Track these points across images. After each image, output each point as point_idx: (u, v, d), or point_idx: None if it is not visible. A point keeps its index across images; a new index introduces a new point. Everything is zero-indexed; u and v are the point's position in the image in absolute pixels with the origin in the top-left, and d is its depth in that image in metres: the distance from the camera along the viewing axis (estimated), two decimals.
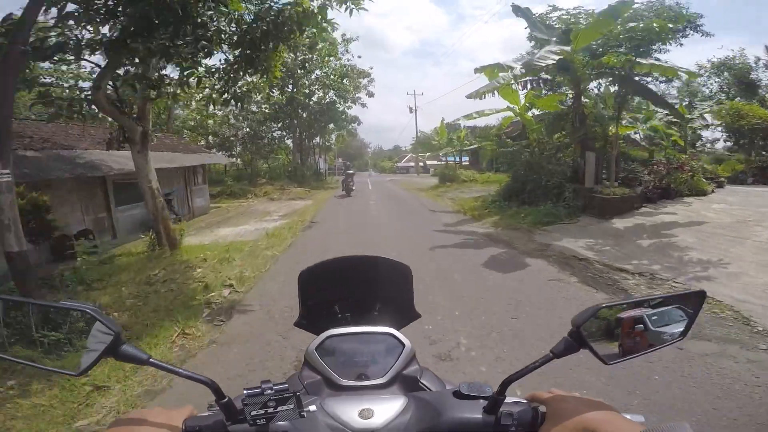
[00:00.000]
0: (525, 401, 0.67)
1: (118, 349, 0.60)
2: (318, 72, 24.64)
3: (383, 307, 0.99)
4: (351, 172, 20.63)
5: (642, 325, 0.68)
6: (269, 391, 0.60)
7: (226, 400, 0.62)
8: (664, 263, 5.48)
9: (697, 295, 0.71)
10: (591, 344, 0.63)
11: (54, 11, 4.87)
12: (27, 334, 0.71)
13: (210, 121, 23.84)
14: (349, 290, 1.01)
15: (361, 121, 28.04)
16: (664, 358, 2.88)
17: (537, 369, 0.64)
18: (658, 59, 10.34)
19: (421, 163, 62.23)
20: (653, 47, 10.55)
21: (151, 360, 0.61)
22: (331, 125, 30.15)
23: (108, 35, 5.34)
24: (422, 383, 0.80)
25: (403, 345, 0.83)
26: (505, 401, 0.64)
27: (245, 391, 0.60)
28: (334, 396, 0.73)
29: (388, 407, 0.66)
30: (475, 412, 0.64)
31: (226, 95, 6.85)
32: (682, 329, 0.70)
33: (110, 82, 6.09)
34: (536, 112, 12.84)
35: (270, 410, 0.59)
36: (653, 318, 0.69)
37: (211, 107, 10.06)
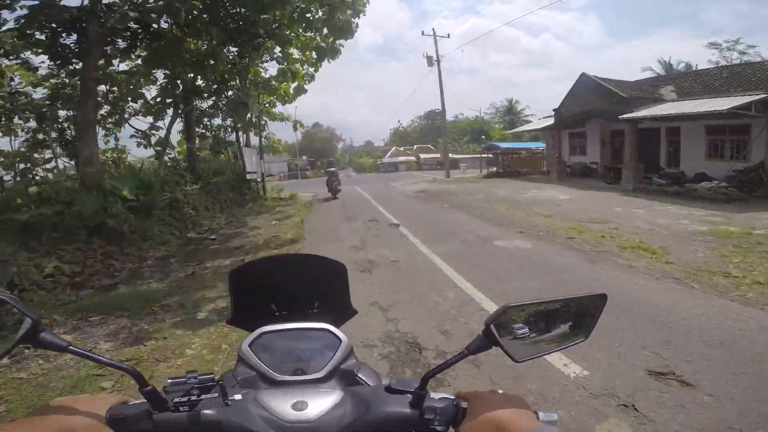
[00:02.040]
0: (451, 397, 0.69)
1: (37, 336, 0.58)
2: None
3: (321, 305, 0.99)
4: (334, 169, 16.98)
5: (548, 325, 0.73)
6: (193, 379, 0.62)
7: (149, 388, 0.61)
8: None
9: (600, 298, 0.75)
10: (501, 342, 0.66)
11: None
12: None
13: None
14: (285, 289, 1.00)
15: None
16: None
17: (454, 364, 0.67)
18: None
19: (411, 158, 50.33)
20: None
21: (70, 347, 0.60)
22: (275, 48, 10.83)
23: None
24: (359, 377, 0.80)
25: (341, 340, 0.83)
26: (433, 397, 0.68)
27: (169, 380, 0.62)
28: (268, 389, 0.73)
29: (323, 400, 0.67)
30: (403, 407, 0.66)
31: None
32: (585, 329, 0.75)
33: None
34: None
35: (193, 398, 0.61)
36: (559, 318, 0.75)
37: None
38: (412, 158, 49.16)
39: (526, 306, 0.70)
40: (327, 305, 0.99)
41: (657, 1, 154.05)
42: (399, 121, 74.83)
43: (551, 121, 21.93)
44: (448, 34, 32.62)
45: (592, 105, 16.13)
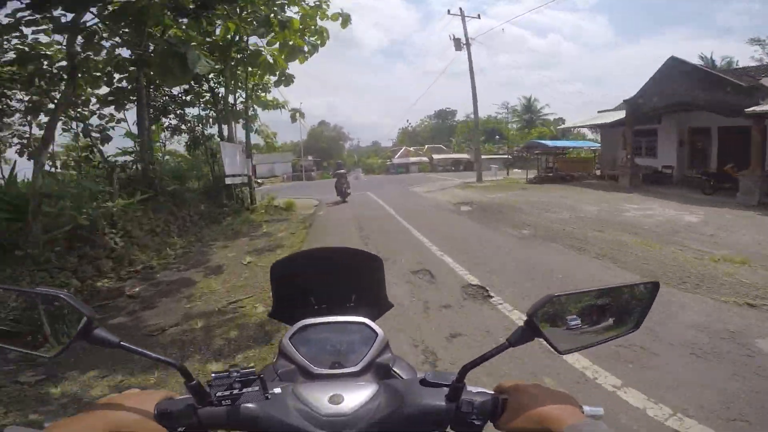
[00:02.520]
0: (489, 391, 0.67)
1: (91, 333, 0.59)
2: None
3: (359, 298, 0.98)
4: (343, 171, 15.40)
5: (595, 316, 0.69)
6: (235, 374, 0.62)
7: (194, 382, 0.61)
8: None
9: (652, 286, 0.71)
10: (545, 333, 0.63)
11: None
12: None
13: None
14: (324, 281, 0.99)
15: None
16: None
17: (493, 357, 0.64)
18: None
19: (423, 159, 46.51)
20: None
21: (122, 343, 0.60)
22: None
23: None
24: (394, 371, 0.81)
25: (377, 334, 0.83)
26: (470, 390, 0.66)
27: (213, 374, 0.63)
28: (305, 383, 0.74)
29: (359, 394, 0.66)
30: (439, 400, 0.64)
31: None
32: (635, 319, 0.71)
33: None
34: None
35: (235, 392, 0.61)
36: (607, 308, 0.70)
37: None
38: (425, 159, 45.36)
39: (572, 295, 0.67)
40: (364, 298, 0.97)
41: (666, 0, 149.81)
42: (408, 121, 71.02)
43: (605, 116, 18.05)
44: (479, 15, 28.36)
45: (688, 96, 12.20)
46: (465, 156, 45.49)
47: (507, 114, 64.04)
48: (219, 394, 0.61)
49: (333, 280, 0.99)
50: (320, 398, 0.64)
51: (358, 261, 1.02)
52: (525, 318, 0.63)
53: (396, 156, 49.31)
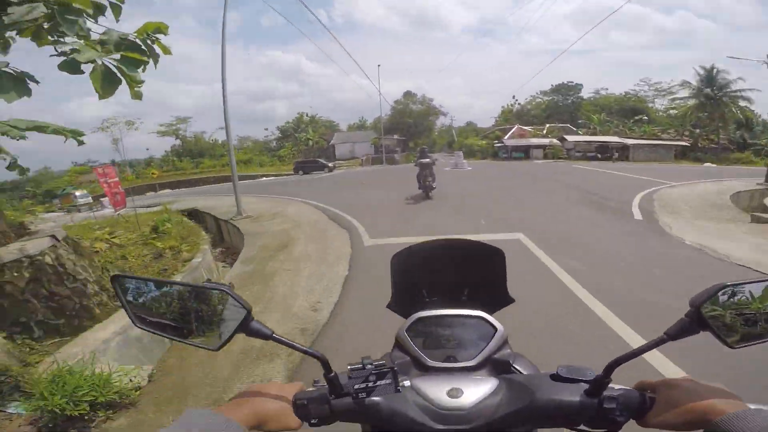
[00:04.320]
0: (630, 388, 0.63)
1: (249, 325, 0.62)
2: None
3: (472, 291, 0.96)
4: (428, 161, 10.87)
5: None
6: (370, 366, 0.63)
7: (332, 374, 0.63)
8: None
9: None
10: (712, 325, 0.58)
11: None
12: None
13: None
14: (438, 274, 0.97)
15: None
16: None
17: (647, 352, 0.59)
18: None
19: (554, 141, 33.64)
20: None
21: (274, 335, 0.63)
22: None
23: None
24: (515, 367, 0.78)
25: (496, 329, 0.82)
26: (611, 387, 0.61)
27: (349, 367, 0.64)
28: (422, 376, 0.73)
29: (478, 388, 0.65)
30: (574, 395, 0.61)
31: None
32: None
33: None
34: None
35: (370, 384, 0.62)
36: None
37: None
38: (554, 141, 32.39)
39: (746, 284, 0.60)
40: (478, 292, 0.94)
41: None
42: (514, 98, 57.29)
43: None
44: None
45: None
46: (614, 139, 31.49)
47: (649, 91, 48.18)
48: (357, 386, 0.62)
49: (447, 273, 0.95)
50: (438, 392, 0.64)
51: (478, 253, 0.95)
52: (689, 309, 0.59)
53: (506, 136, 36.94)
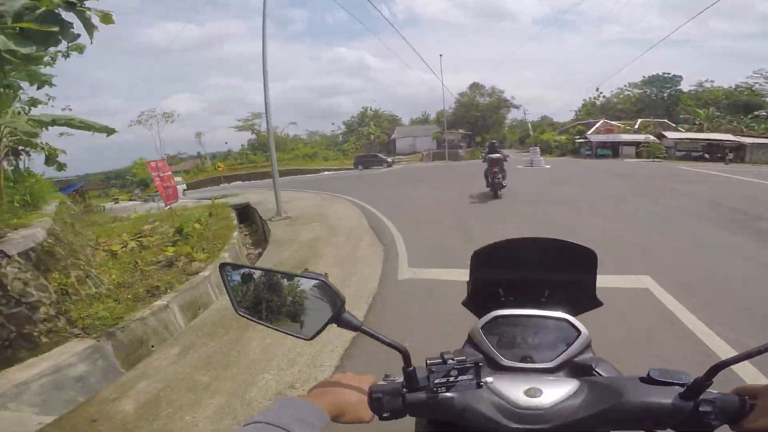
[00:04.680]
0: (728, 393, 0.60)
1: (341, 316, 0.62)
2: None
3: (552, 293, 0.89)
4: (498, 156, 9.66)
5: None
6: (451, 361, 0.62)
7: (412, 368, 0.63)
8: None
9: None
10: None
11: None
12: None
13: None
14: (520, 273, 0.91)
15: None
16: None
17: (758, 356, 0.55)
18: None
19: (650, 138, 29.21)
20: None
21: (362, 327, 0.63)
22: None
23: None
24: (597, 372, 0.73)
25: (579, 332, 0.77)
26: (709, 391, 0.58)
27: (428, 361, 0.63)
28: (498, 374, 0.70)
29: (558, 389, 0.63)
30: (667, 398, 0.59)
31: None
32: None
33: None
34: None
35: (451, 379, 0.61)
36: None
37: None
38: (651, 138, 28.07)
39: None
40: (559, 293, 0.89)
41: None
42: (598, 89, 51.72)
43: None
44: None
45: None
46: (728, 137, 26.40)
47: (766, 83, 40.47)
48: (437, 380, 0.61)
49: (529, 272, 0.89)
50: (515, 391, 0.63)
51: (567, 253, 0.89)
52: None
53: (589, 131, 32.92)
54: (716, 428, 0.58)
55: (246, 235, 9.50)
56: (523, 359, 0.75)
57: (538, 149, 21.28)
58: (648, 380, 0.61)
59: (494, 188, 9.49)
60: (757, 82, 41.21)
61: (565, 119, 52.03)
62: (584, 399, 0.61)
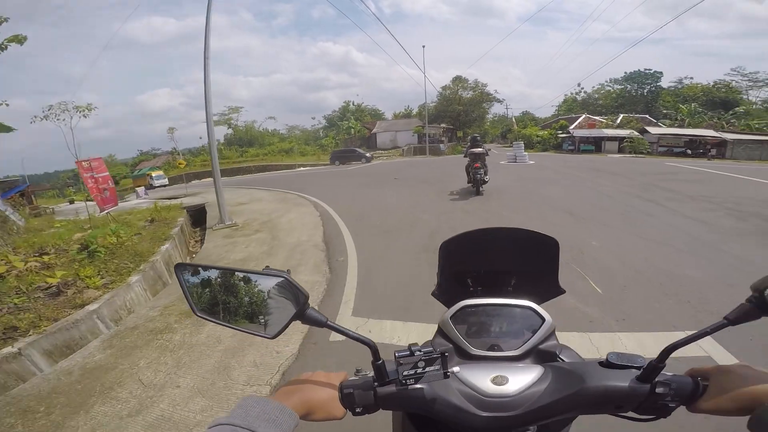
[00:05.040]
0: (683, 375, 0.63)
1: (305, 312, 0.62)
2: None
3: (519, 282, 0.91)
4: (480, 151, 9.24)
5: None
6: (418, 352, 0.62)
7: (380, 361, 0.63)
8: None
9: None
10: None
11: None
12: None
13: None
14: (486, 263, 0.93)
15: None
16: None
17: (708, 336, 0.58)
18: None
19: (633, 133, 28.68)
20: None
21: (328, 322, 0.63)
22: None
23: None
24: (560, 358, 0.73)
25: (543, 319, 0.79)
26: (664, 373, 0.61)
27: (396, 354, 0.63)
28: (466, 363, 0.72)
29: (524, 375, 0.65)
30: (625, 381, 0.61)
31: None
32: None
33: None
34: None
35: (419, 370, 0.62)
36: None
37: None
38: (636, 134, 27.61)
39: None
40: (525, 282, 0.90)
41: None
42: (579, 85, 51.87)
43: None
44: None
45: None
46: (710, 133, 26.21)
47: (743, 81, 41.38)
48: (405, 372, 0.61)
49: (496, 262, 0.91)
50: (482, 379, 0.64)
51: (531, 242, 0.89)
52: (751, 294, 0.58)
53: (572, 126, 32.41)
54: (673, 410, 0.61)
55: (197, 242, 8.24)
56: (491, 348, 0.76)
57: (522, 144, 20.36)
58: (607, 364, 0.62)
59: (476, 184, 9.05)
60: (734, 80, 41.93)
61: (546, 115, 51.73)
62: (548, 385, 0.63)
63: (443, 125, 39.47)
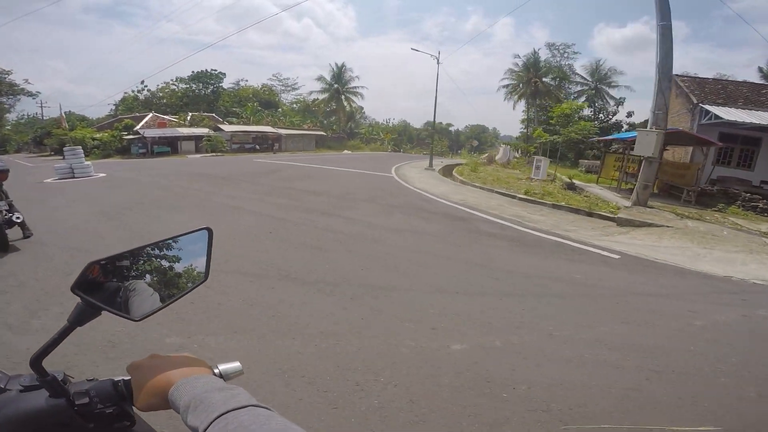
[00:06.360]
0: (103, 379, 0.60)
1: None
2: None
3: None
4: None
5: (163, 276, 0.67)
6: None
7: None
8: None
9: (206, 232, 0.69)
10: (106, 305, 0.58)
11: None
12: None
13: None
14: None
15: None
16: None
17: (61, 341, 0.58)
18: None
19: (202, 131, 27.61)
20: None
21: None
22: None
23: None
24: None
25: None
26: (76, 382, 0.60)
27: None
28: None
29: None
30: (40, 402, 0.56)
31: None
32: (203, 268, 0.69)
33: None
34: None
35: None
36: (167, 263, 0.66)
37: None
38: (213, 132, 27.43)
39: (113, 257, 0.62)
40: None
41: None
42: (143, 83, 48.21)
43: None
44: None
45: None
46: (270, 129, 30.73)
47: (279, 85, 54.19)
48: None
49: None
50: None
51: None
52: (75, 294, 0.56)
53: (138, 126, 28.24)
54: (118, 415, 0.57)
55: None
56: None
57: (80, 150, 14.63)
58: (24, 389, 0.57)
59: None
60: (273, 84, 52.43)
61: (100, 114, 43.47)
62: None
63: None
